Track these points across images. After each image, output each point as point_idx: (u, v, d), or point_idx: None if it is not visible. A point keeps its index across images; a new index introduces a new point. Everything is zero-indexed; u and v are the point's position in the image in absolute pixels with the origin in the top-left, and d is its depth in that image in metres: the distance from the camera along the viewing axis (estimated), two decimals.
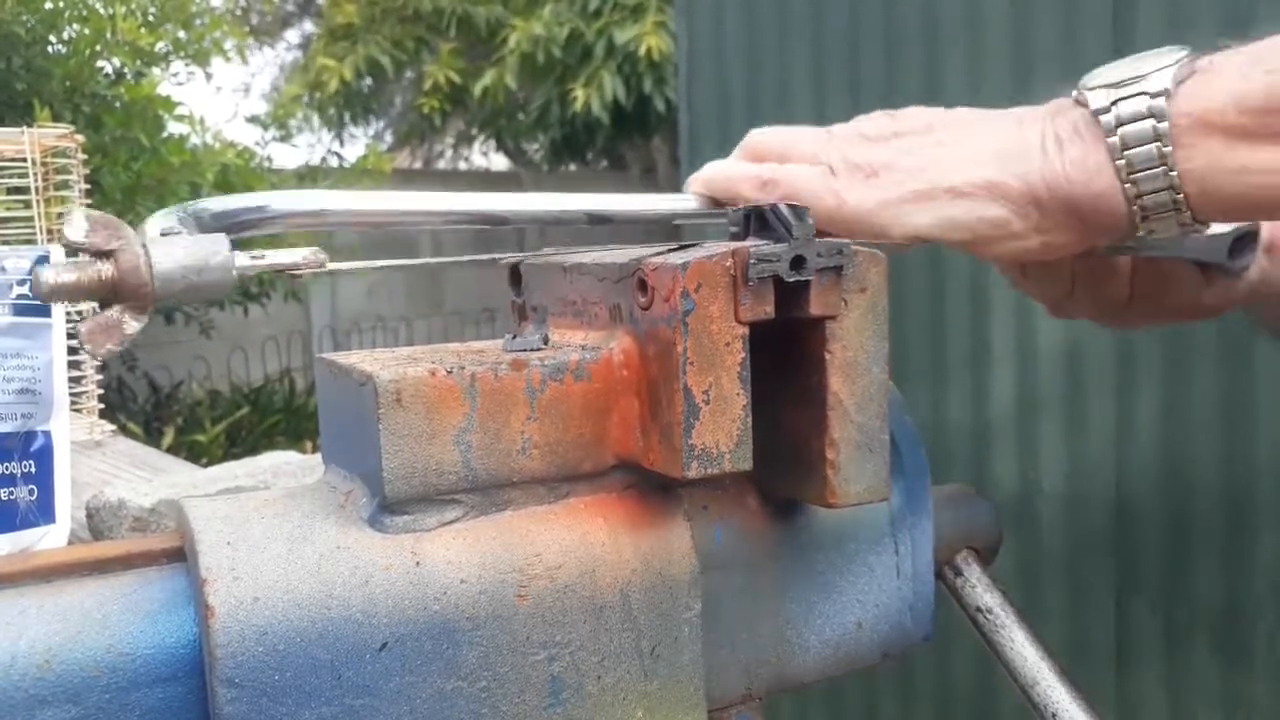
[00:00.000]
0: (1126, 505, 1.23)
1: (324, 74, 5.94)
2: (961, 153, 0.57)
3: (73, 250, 0.42)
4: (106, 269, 0.42)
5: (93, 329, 0.41)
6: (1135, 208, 0.53)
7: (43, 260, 0.92)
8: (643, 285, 0.47)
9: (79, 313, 1.28)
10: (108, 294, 0.41)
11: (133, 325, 0.42)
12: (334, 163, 5.09)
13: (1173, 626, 1.20)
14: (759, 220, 0.49)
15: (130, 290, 0.41)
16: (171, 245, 0.43)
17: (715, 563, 0.52)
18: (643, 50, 4.90)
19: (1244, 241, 0.62)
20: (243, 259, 0.45)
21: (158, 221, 0.46)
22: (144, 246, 0.42)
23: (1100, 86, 0.54)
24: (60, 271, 0.41)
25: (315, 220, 0.50)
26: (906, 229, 0.57)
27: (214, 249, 0.43)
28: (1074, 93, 0.55)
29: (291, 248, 0.47)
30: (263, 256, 0.46)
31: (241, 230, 0.49)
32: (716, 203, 0.63)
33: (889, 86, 1.42)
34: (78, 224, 0.41)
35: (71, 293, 0.41)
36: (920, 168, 0.57)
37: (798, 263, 0.46)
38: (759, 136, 0.64)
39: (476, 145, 8.36)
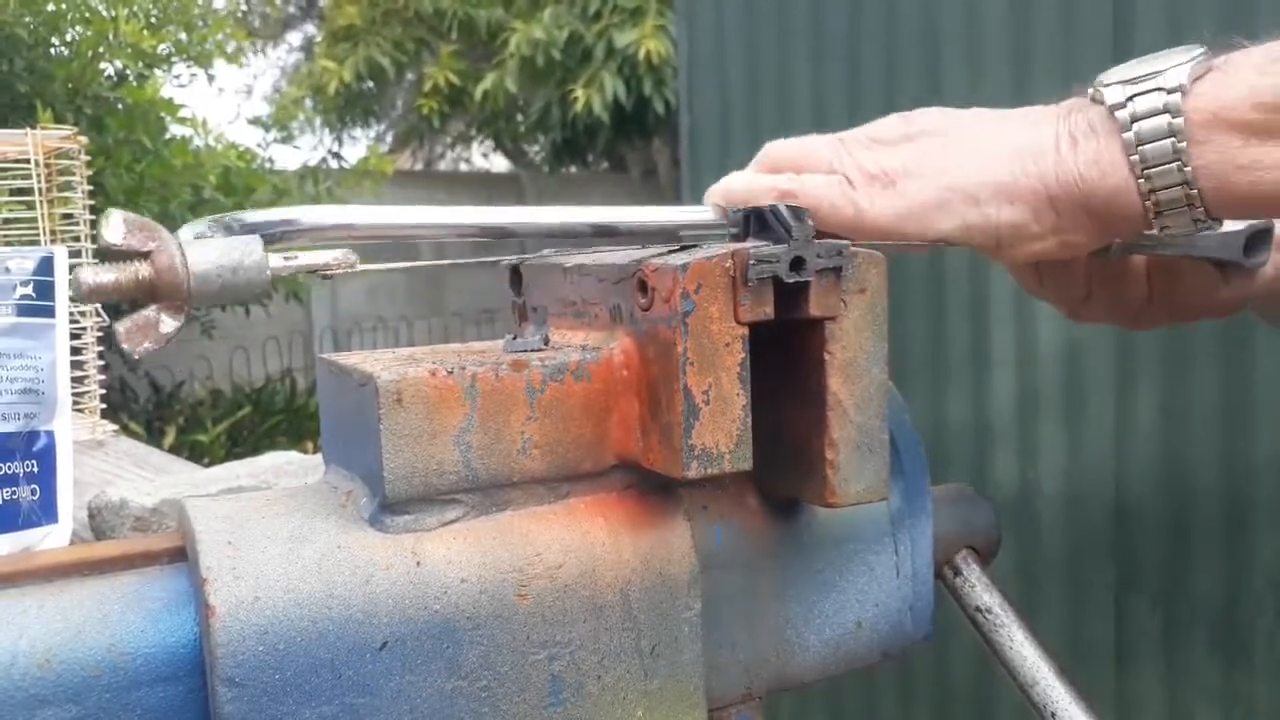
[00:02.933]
0: (1126, 505, 1.23)
1: (325, 75, 5.94)
2: (976, 156, 0.57)
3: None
4: (144, 269, 0.42)
5: (130, 328, 0.42)
6: (1149, 203, 0.53)
7: (46, 262, 0.92)
8: (643, 286, 0.47)
9: (81, 313, 1.29)
10: (145, 293, 0.42)
11: (169, 324, 0.43)
12: (333, 164, 5.09)
13: (1172, 625, 1.20)
14: (759, 221, 0.49)
15: (167, 289, 0.42)
16: (206, 246, 0.44)
17: (715, 562, 0.52)
18: (642, 54, 4.90)
19: (1258, 238, 0.62)
20: (275, 260, 0.46)
21: (191, 229, 0.47)
22: (179, 247, 0.43)
23: (1116, 83, 0.54)
24: (98, 272, 0.42)
25: (342, 234, 0.51)
26: (927, 235, 0.58)
27: (247, 250, 0.44)
28: (1090, 89, 0.56)
29: (322, 249, 0.48)
30: (295, 258, 0.47)
31: (271, 241, 0.50)
32: None
33: (889, 89, 1.42)
34: (115, 225, 0.42)
35: (109, 292, 0.42)
36: (936, 172, 0.57)
37: (797, 264, 0.46)
38: (775, 148, 0.65)
39: (476, 147, 8.36)
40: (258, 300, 0.44)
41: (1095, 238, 0.57)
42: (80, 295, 0.42)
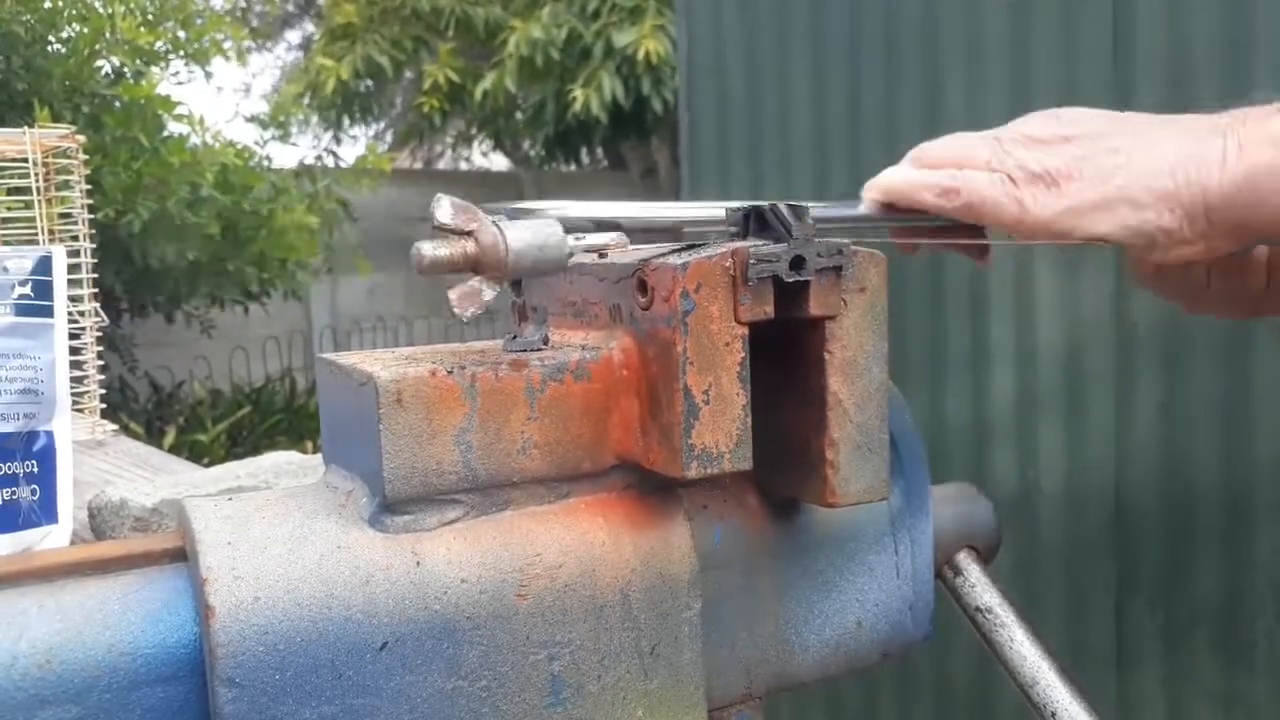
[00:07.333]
0: (1126, 505, 1.23)
1: (323, 74, 5.94)
2: (1139, 162, 0.58)
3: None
4: (470, 245, 0.47)
5: (460, 295, 0.47)
6: None
7: (45, 261, 0.92)
8: (642, 285, 0.47)
9: (80, 313, 1.28)
10: (471, 266, 0.47)
11: (489, 293, 0.48)
12: (330, 162, 5.08)
13: (1172, 626, 1.20)
14: (758, 220, 0.49)
15: (490, 263, 0.47)
16: (519, 226, 0.48)
17: (715, 562, 0.52)
18: (641, 54, 4.90)
19: None
20: (570, 240, 0.50)
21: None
22: (498, 226, 0.47)
23: None
24: (436, 247, 0.47)
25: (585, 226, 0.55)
26: (1088, 235, 0.59)
27: (551, 230, 0.48)
28: (1278, 103, 0.57)
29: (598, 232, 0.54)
30: (583, 238, 0.52)
31: None
32: (893, 209, 0.64)
33: (888, 89, 1.42)
34: (444, 207, 0.47)
35: (444, 265, 0.47)
36: (1099, 176, 0.59)
37: (797, 263, 0.46)
38: (931, 147, 0.65)
39: (476, 145, 8.36)
40: (559, 272, 0.48)
41: (1243, 244, 0.58)
42: (421, 267, 0.46)
